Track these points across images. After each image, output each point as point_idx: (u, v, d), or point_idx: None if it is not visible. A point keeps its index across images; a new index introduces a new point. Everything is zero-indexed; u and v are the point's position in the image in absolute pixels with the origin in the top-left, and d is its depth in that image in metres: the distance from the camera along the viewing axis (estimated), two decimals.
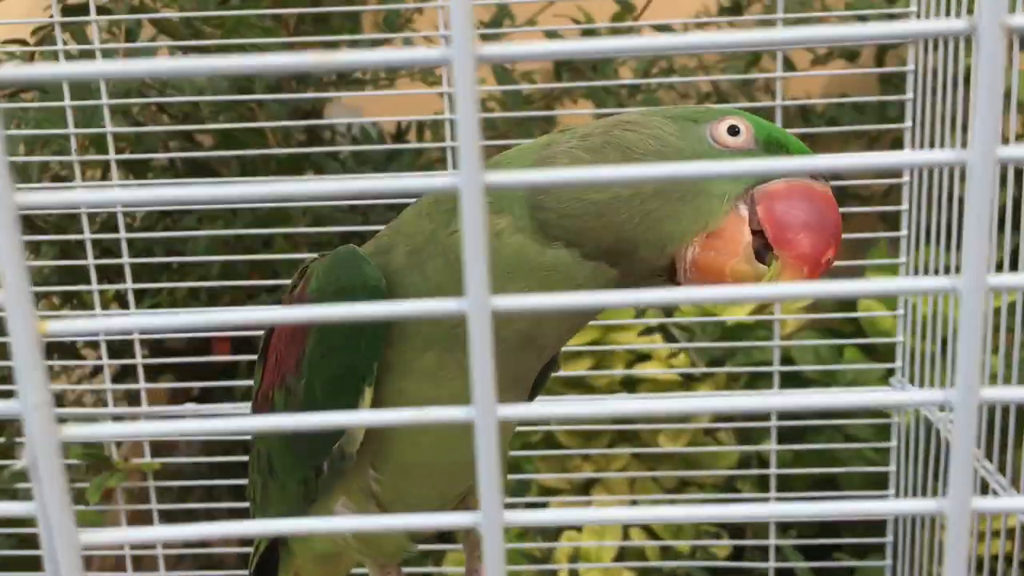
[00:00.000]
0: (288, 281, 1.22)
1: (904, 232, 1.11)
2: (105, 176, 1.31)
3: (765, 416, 1.19)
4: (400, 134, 1.57)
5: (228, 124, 1.25)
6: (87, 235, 1.13)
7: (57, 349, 1.43)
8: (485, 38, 1.39)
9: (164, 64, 0.26)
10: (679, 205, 0.51)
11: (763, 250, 0.52)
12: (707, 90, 1.65)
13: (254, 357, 1.31)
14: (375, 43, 1.40)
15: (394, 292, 0.54)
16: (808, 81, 1.74)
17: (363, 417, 0.28)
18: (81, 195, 0.28)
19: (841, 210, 0.54)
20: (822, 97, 1.61)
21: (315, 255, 0.62)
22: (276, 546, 0.72)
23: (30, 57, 1.18)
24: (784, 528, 1.21)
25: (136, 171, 1.38)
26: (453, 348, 0.55)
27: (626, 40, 0.28)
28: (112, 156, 1.13)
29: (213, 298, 1.29)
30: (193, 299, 1.27)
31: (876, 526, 1.16)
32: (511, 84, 1.39)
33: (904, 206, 1.11)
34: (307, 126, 1.47)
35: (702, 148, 0.52)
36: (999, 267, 1.01)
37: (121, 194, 0.27)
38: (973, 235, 0.27)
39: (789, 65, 1.63)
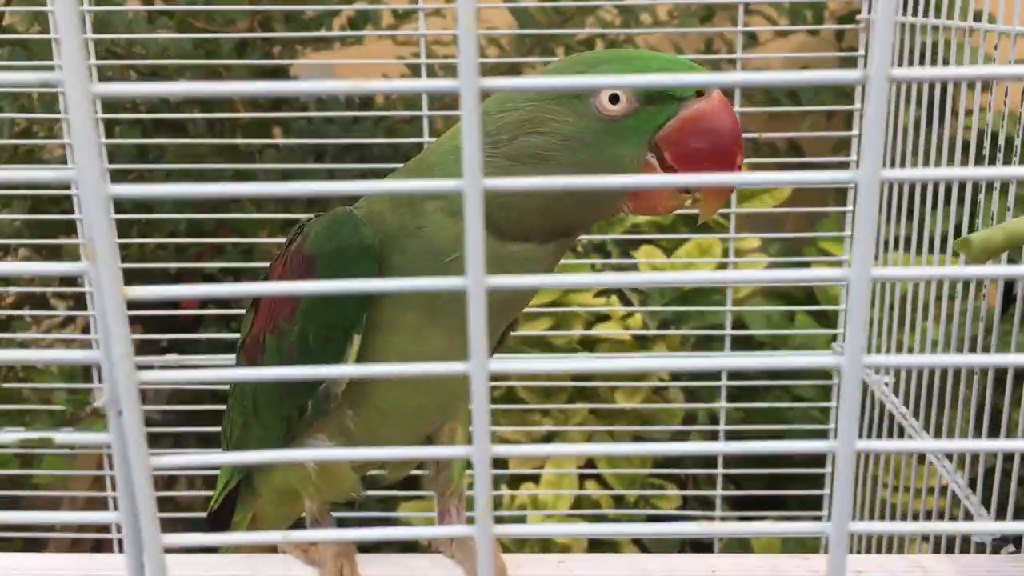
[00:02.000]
0: (254, 240, 1.26)
1: (850, 207, 1.17)
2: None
3: (716, 376, 1.24)
4: (368, 97, 1.59)
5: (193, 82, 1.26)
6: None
7: (28, 299, 1.45)
8: None
9: None
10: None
11: None
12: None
13: (220, 311, 1.35)
14: (335, 13, 1.41)
15: (386, 255, 0.59)
16: (770, 56, 1.78)
17: (368, 370, 0.32)
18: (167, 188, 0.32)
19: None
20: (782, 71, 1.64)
21: (298, 216, 0.64)
22: (238, 488, 0.76)
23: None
24: (728, 481, 1.27)
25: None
26: (433, 311, 0.60)
27: None
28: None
29: (180, 251, 1.31)
30: (162, 250, 1.29)
31: (815, 479, 1.23)
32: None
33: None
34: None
35: (596, 126, 0.55)
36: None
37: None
38: (861, 237, 0.32)
39: (751, 38, 1.67)
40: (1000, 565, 0.53)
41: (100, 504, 1.45)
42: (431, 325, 0.61)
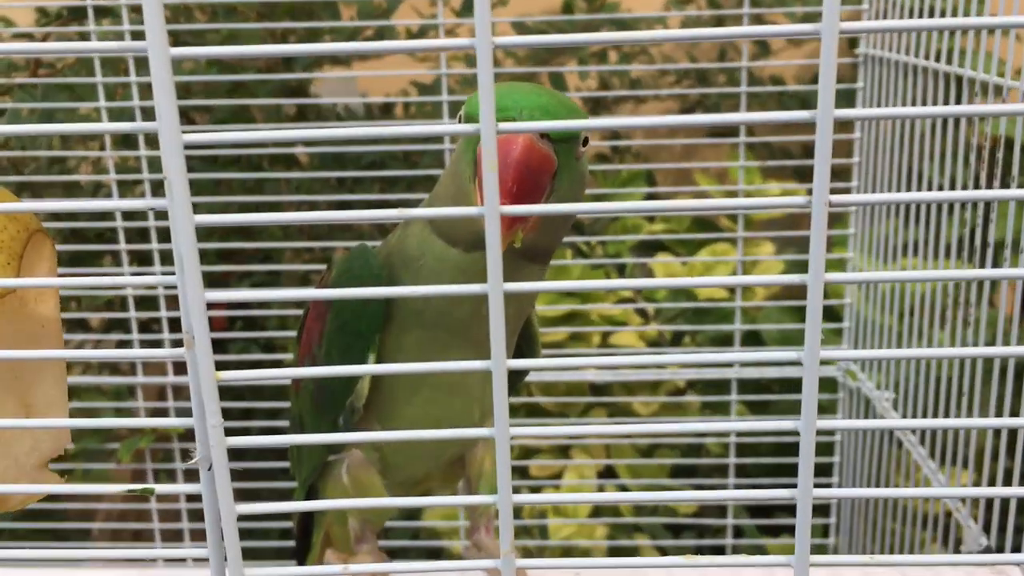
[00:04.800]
0: (276, 267, 1.32)
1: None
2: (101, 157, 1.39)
3: (728, 388, 1.30)
4: (388, 109, 1.64)
5: (218, 101, 1.32)
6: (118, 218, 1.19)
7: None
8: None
9: None
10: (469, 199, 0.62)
11: None
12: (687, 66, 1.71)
13: (247, 334, 1.41)
14: (354, 32, 1.46)
15: (393, 280, 0.67)
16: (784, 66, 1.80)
17: (398, 367, 0.36)
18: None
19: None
20: (796, 80, 1.67)
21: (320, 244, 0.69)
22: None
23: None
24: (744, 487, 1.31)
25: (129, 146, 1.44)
26: (431, 328, 0.67)
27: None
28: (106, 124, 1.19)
29: (210, 279, 1.37)
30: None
31: (823, 487, 1.27)
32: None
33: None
34: (297, 104, 1.54)
35: (460, 145, 0.64)
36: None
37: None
38: (815, 240, 0.35)
39: (763, 48, 1.69)
40: (976, 571, 0.57)
41: (135, 515, 1.50)
42: (427, 342, 0.68)
